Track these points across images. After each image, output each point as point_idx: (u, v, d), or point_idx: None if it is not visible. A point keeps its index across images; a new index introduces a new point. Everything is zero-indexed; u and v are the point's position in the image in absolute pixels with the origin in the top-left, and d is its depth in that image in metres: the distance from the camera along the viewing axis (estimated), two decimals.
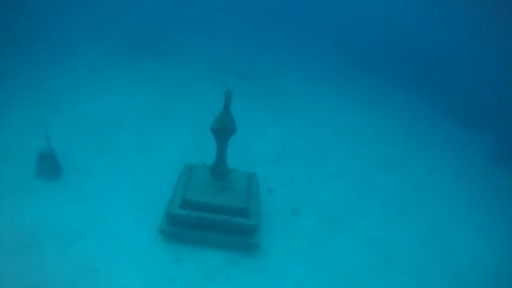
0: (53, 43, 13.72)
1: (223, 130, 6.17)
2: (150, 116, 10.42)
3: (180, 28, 17.82)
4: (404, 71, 16.29)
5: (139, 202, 7.52)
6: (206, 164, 6.92)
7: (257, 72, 14.26)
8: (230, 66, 14.27)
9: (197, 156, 8.07)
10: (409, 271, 7.15)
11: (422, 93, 14.86)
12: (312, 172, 9.30)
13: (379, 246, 7.57)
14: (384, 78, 15.78)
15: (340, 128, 11.48)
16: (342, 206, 8.45)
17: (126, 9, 18.68)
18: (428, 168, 10.35)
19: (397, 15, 20.38)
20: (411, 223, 8.31)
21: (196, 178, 6.99)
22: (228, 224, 6.51)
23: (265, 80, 13.86)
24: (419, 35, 18.59)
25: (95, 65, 12.77)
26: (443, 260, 7.55)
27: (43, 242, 6.34)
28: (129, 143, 9.18)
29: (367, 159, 10.21)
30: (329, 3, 22.02)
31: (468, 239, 8.18)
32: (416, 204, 8.92)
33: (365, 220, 8.17)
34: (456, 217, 8.75)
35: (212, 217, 6.49)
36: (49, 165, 7.50)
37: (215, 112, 6.31)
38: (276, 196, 8.34)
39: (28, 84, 10.73)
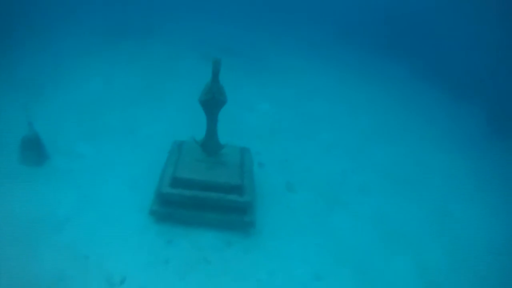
0: (31, 27, 13.07)
1: (213, 101, 5.72)
2: (136, 96, 9.95)
3: (162, 6, 17.19)
4: (395, 44, 15.94)
5: (128, 184, 7.10)
6: (196, 139, 6.48)
7: (244, 48, 13.79)
8: (217, 42, 13.78)
9: (186, 134, 7.57)
10: (410, 245, 6.86)
11: (415, 66, 14.57)
12: (306, 145, 8.94)
13: (378, 220, 7.25)
14: (374, 51, 15.44)
15: (332, 100, 11.13)
16: (339, 179, 8.11)
17: None
18: (424, 140, 10.05)
19: None
20: (410, 196, 8.01)
21: (187, 155, 6.56)
22: (221, 202, 6.10)
23: (253, 55, 13.41)
24: (411, 6, 18.06)
25: (76, 47, 12.24)
26: (444, 233, 7.28)
27: (31, 229, 5.94)
28: (115, 125, 8.72)
29: (361, 130, 9.90)
30: None
31: (468, 211, 7.93)
32: (414, 177, 8.62)
33: (363, 194, 7.83)
34: (455, 189, 8.49)
35: (205, 195, 6.07)
36: (33, 150, 7.09)
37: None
38: (270, 171, 7.96)
39: (7, 69, 10.21)
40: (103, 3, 16.29)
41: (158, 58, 12.27)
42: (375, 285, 6.03)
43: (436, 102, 12.42)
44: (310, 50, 14.78)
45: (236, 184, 6.16)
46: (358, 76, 13.07)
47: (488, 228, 7.53)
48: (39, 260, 5.49)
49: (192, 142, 6.59)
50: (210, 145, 6.30)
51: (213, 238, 6.23)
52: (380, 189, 8.03)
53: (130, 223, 6.30)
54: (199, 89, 5.90)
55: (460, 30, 16.06)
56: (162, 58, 12.27)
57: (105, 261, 5.63)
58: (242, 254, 6.09)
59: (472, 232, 7.38)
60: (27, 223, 6.02)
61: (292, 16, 18.43)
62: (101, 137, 8.25)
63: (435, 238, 7.09)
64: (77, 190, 6.83)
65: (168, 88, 10.48)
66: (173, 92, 10.30)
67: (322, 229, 6.84)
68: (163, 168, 6.60)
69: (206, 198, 6.07)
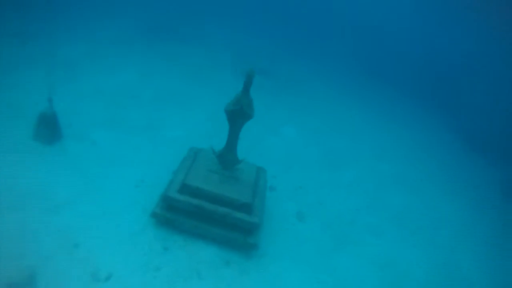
0: (77, 11, 13.16)
1: (239, 113, 5.43)
2: (164, 96, 9.79)
3: (203, 14, 17.28)
4: (427, 92, 15.74)
5: (136, 180, 6.83)
6: (214, 149, 6.17)
7: (276, 69, 13.61)
8: (250, 59, 13.60)
9: (205, 143, 7.39)
10: None
11: (442, 117, 14.31)
12: (323, 178, 8.58)
13: (384, 264, 6.83)
14: (405, 95, 15.21)
15: (357, 137, 10.78)
16: (351, 218, 7.71)
17: None
18: (442, 192, 9.64)
19: (424, 35, 19.59)
20: (419, 244, 7.63)
21: (201, 163, 6.26)
22: (228, 218, 5.74)
23: (285, 78, 13.22)
24: (445, 58, 17.81)
25: (115, 38, 12.23)
26: (449, 285, 6.91)
27: (29, 205, 5.70)
28: (137, 120, 8.53)
29: (380, 173, 9.50)
30: (355, 13, 21.32)
31: (476, 266, 7.55)
32: (427, 226, 8.22)
33: (373, 236, 7.43)
34: (466, 245, 8.08)
35: (212, 207, 5.72)
36: (48, 128, 6.92)
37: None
38: (282, 196, 7.60)
39: (45, 47, 10.09)
40: (149, 2, 16.38)
41: (192, 64, 12.15)
42: None
43: (456, 154, 12.09)
44: (343, 83, 14.58)
45: (247, 202, 5.81)
46: (385, 118, 12.77)
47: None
48: (27, 237, 5.24)
49: (209, 151, 6.30)
50: (227, 158, 5.99)
51: (211, 254, 5.87)
52: (390, 233, 7.65)
53: (129, 221, 5.99)
54: (227, 101, 5.64)
55: (492, 87, 15.72)
56: (196, 66, 12.15)
57: (94, 254, 5.32)
58: (238, 275, 5.70)
59: None
60: (25, 198, 5.79)
61: (331, 47, 18.29)
62: (119, 129, 8.04)
63: None
64: (82, 176, 6.57)
65: (197, 95, 10.30)
66: (201, 100, 10.11)
67: (326, 265, 6.42)
68: (175, 173, 6.31)
69: (212, 211, 5.72)
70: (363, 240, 7.25)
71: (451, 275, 7.14)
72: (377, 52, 18.81)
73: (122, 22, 13.60)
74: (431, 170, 10.50)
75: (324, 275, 6.21)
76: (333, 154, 9.56)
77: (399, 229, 7.82)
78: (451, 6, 18.35)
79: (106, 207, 6.11)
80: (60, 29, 11.50)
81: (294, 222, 7.11)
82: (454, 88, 16.06)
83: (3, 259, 4.89)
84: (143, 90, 9.78)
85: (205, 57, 12.94)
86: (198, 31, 15.14)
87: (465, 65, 16.60)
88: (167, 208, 5.86)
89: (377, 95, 14.46)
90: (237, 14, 18.42)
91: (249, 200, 5.84)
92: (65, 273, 4.97)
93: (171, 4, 17.03)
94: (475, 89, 15.58)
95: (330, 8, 22.01)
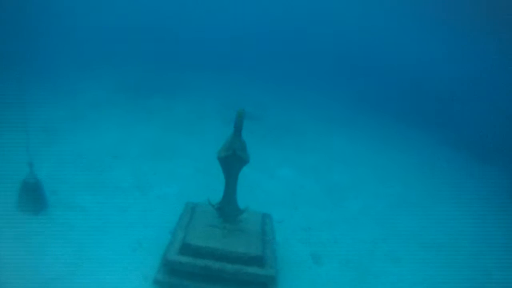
0: (56, 75, 12.95)
1: (233, 158, 4.87)
2: (151, 152, 9.22)
3: (187, 67, 17.05)
4: (418, 111, 15.54)
5: (132, 246, 6.16)
6: (212, 202, 5.57)
7: (266, 113, 13.11)
8: (238, 106, 13.08)
9: (200, 196, 6.79)
10: None
11: (438, 132, 13.87)
12: (331, 214, 7.92)
13: None
14: (395, 117, 14.85)
15: (356, 167, 10.21)
16: (368, 249, 7.07)
17: (132, 46, 18.05)
18: (452, 206, 9.04)
19: (407, 55, 19.54)
20: (444, 263, 7.01)
21: (200, 219, 5.62)
22: (239, 275, 5.04)
23: (275, 121, 12.70)
24: (427, 73, 17.70)
25: (97, 99, 11.87)
26: None
27: (17, 284, 5.04)
28: (125, 180, 7.94)
29: (388, 198, 8.91)
30: (338, 43, 21.35)
31: (506, 273, 7.01)
32: (447, 242, 7.63)
33: (395, 264, 6.78)
34: (489, 252, 7.54)
35: (219, 266, 5.03)
36: (32, 196, 6.40)
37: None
38: (292, 241, 6.94)
39: (23, 113, 9.47)
40: (131, 60, 16.26)
41: (178, 117, 11.70)
42: None
43: (461, 166, 11.55)
44: (333, 116, 14.19)
45: (257, 255, 5.12)
46: (382, 143, 12.27)
47: None
48: None
49: (207, 205, 5.68)
50: (228, 209, 5.36)
51: None
52: (412, 258, 7.01)
53: None
54: (218, 149, 5.10)
55: (478, 93, 15.50)
56: (182, 117, 11.69)
57: None
58: None
59: None
60: (12, 276, 5.14)
61: (314, 81, 18.05)
62: (107, 192, 7.47)
63: None
64: (73, 246, 5.94)
65: (185, 147, 9.74)
66: (189, 151, 9.55)
67: None
68: (173, 232, 5.64)
69: (220, 269, 5.02)
70: (386, 270, 6.60)
71: (484, 285, 6.64)
72: (363, 79, 18.65)
73: (101, 82, 13.34)
74: (437, 186, 9.96)
75: None
76: (335, 188, 8.97)
77: (419, 251, 7.22)
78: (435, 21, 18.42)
79: (102, 279, 5.40)
80: (39, 95, 11.24)
81: (310, 265, 6.43)
82: (447, 102, 15.82)
83: None
84: (127, 149, 9.22)
85: (191, 108, 12.50)
86: (182, 83, 14.83)
87: (455, 78, 16.45)
88: (170, 273, 5.18)
89: (369, 122, 14.09)
90: (220, 63, 18.27)
91: (260, 251, 5.18)
92: None
93: (151, 61, 16.95)
94: (469, 100, 15.37)
95: (310, 42, 22.03)
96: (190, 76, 15.70)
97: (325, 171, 9.65)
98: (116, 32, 19.41)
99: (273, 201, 7.98)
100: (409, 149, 12.15)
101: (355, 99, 16.31)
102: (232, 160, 4.89)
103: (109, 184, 7.71)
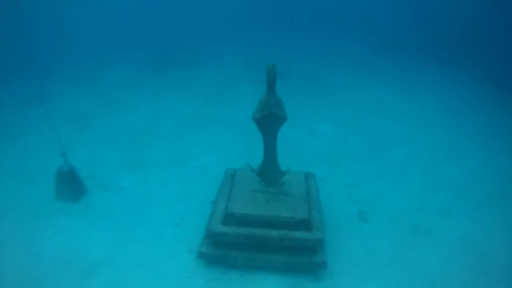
0: (77, 65, 12.88)
1: (270, 117, 4.49)
2: (184, 125, 8.97)
3: (207, 36, 16.62)
4: (439, 47, 14.51)
5: (174, 221, 5.97)
6: (252, 166, 5.24)
7: (292, 69, 12.56)
8: (264, 66, 12.58)
9: (240, 162, 6.52)
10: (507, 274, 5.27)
11: (473, 71, 12.80)
12: (374, 167, 7.48)
13: (466, 247, 5.66)
14: (420, 57, 14.05)
15: (393, 116, 9.63)
16: (416, 203, 6.56)
17: (150, 23, 17.65)
18: (500, 150, 8.29)
19: None
20: (497, 215, 6.35)
21: (241, 185, 5.31)
22: (286, 240, 4.74)
23: (302, 76, 12.16)
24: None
25: (122, 81, 11.69)
26: None
27: (58, 274, 4.95)
28: (161, 155, 7.75)
29: (432, 147, 8.29)
30: None
31: None
32: (498, 192, 6.92)
33: (445, 218, 6.24)
34: None
35: (265, 233, 4.74)
36: (68, 184, 6.29)
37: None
38: (337, 198, 6.57)
39: (52, 107, 9.63)
40: (150, 36, 15.92)
41: (208, 86, 11.34)
42: None
43: (503, 107, 10.55)
44: (358, 63, 13.54)
45: (303, 218, 4.80)
46: (413, 86, 11.58)
47: None
48: None
49: (247, 170, 5.36)
50: (269, 172, 5.03)
51: (276, 285, 4.87)
52: (463, 211, 6.42)
53: (175, 267, 5.09)
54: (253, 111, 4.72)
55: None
56: (212, 86, 11.33)
57: None
58: None
59: None
60: (57, 266, 5.07)
61: (336, 32, 17.27)
62: (145, 169, 7.29)
63: None
64: (115, 228, 5.80)
65: (219, 116, 9.44)
66: (224, 119, 9.23)
67: (404, 263, 5.33)
68: (214, 202, 5.36)
69: (266, 237, 4.74)
70: (436, 224, 6.10)
71: None
72: (388, 22, 17.60)
73: (123, 64, 13.16)
74: (482, 128, 9.21)
75: (404, 275, 5.15)
76: (377, 139, 8.47)
77: (470, 204, 6.60)
78: None
79: (147, 257, 5.25)
80: (64, 87, 11.17)
81: (358, 224, 6.05)
82: (472, 37, 14.65)
83: None
84: (160, 123, 9.04)
85: (219, 76, 12.11)
86: (206, 53, 14.41)
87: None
88: (214, 245, 4.94)
89: (396, 65, 13.39)
90: (238, 30, 17.68)
91: (306, 215, 4.85)
92: None
93: (171, 37, 16.58)
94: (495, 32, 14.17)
95: None
96: (212, 47, 15.25)
97: (363, 123, 9.15)
98: (132, 12, 19.00)
99: (314, 158, 7.62)
100: (442, 90, 11.37)
101: (378, 42, 15.51)
102: (269, 120, 4.53)
103: (146, 160, 7.54)
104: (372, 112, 9.76)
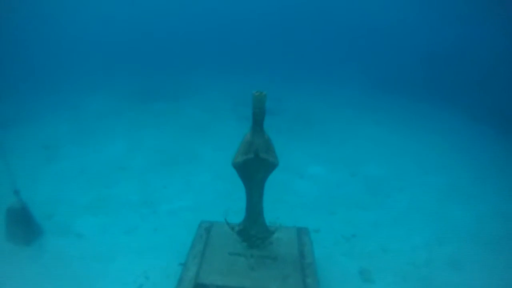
0: (58, 88, 11.72)
1: (255, 163, 3.27)
2: (160, 161, 7.76)
3: (193, 67, 15.46)
4: (436, 87, 13.41)
5: (137, 279, 4.75)
6: (231, 222, 3.99)
7: (282, 106, 11.32)
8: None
9: (218, 212, 5.27)
10: None
11: (470, 110, 11.68)
12: (375, 215, 6.27)
13: None
14: (417, 97, 12.80)
15: (391, 156, 8.47)
16: (424, 256, 5.41)
17: (137, 53, 16.60)
18: (506, 193, 7.17)
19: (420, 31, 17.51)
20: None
21: (218, 244, 4.06)
22: None
23: (293, 113, 10.95)
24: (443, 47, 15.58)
25: (102, 110, 10.56)
26: None
27: None
28: (132, 195, 6.54)
29: (435, 190, 7.16)
30: (352, 28, 19.45)
31: None
32: (509, 237, 5.86)
33: (457, 271, 5.14)
34: None
35: None
36: (20, 225, 5.31)
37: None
38: (335, 254, 5.35)
39: (28, 129, 8.90)
40: (136, 67, 14.81)
41: (189, 120, 10.13)
42: None
43: (507, 147, 9.51)
44: (353, 102, 12.30)
45: None
46: (411, 126, 10.42)
47: None
48: None
49: (226, 224, 4.11)
50: (253, 232, 3.77)
51: None
52: (475, 260, 5.35)
53: None
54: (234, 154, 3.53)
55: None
56: (193, 120, 10.12)
57: None
58: None
59: None
60: None
61: (331, 68, 16.19)
62: (111, 211, 6.10)
63: None
64: (69, 282, 4.67)
65: (199, 153, 8.21)
66: (204, 157, 8.02)
67: None
68: (184, 265, 4.05)
69: None
70: (448, 279, 4.99)
71: None
72: (377, 60, 16.64)
73: (106, 92, 12.00)
74: (484, 169, 8.09)
75: None
76: (375, 183, 7.29)
77: (481, 251, 5.52)
78: None
79: None
80: (40, 110, 10.15)
81: (360, 284, 4.84)
82: (469, 77, 13.72)
83: None
84: (135, 159, 7.80)
85: (201, 109, 10.88)
86: (189, 86, 13.18)
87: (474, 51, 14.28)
88: None
89: (392, 104, 12.24)
90: (227, 62, 16.56)
91: (300, 286, 3.58)
92: None
93: (155, 66, 15.53)
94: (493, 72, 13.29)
95: (317, 29, 20.17)
96: (198, 77, 14.11)
97: (359, 164, 7.96)
98: (117, 39, 18.01)
99: (306, 205, 6.42)
100: (443, 129, 10.24)
101: (373, 81, 14.32)
102: (254, 166, 3.32)
103: (113, 201, 6.35)
104: (369, 152, 8.58)
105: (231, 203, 5.06)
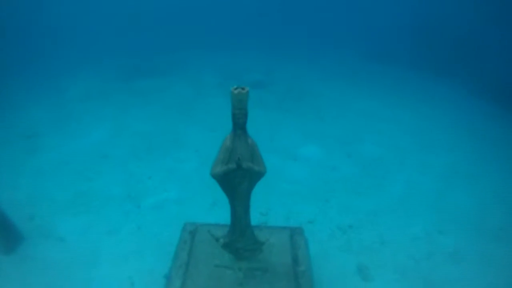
0: (41, 71, 11.05)
1: (238, 175, 2.79)
2: (144, 147, 7.29)
3: (182, 42, 14.61)
4: (433, 57, 12.48)
5: (125, 283, 4.44)
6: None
7: (274, 78, 10.79)
8: (242, 76, 10.81)
9: (206, 203, 4.86)
10: None
11: (467, 83, 10.97)
12: (373, 202, 5.87)
13: None
14: (414, 67, 12.11)
15: (389, 132, 8.00)
16: (424, 248, 5.06)
17: (121, 28, 15.73)
18: (508, 171, 6.76)
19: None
20: None
21: (203, 254, 3.66)
22: None
23: (286, 86, 10.37)
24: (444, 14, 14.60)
25: (86, 92, 9.88)
26: None
27: None
28: (113, 189, 6.11)
29: (436, 171, 6.73)
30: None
31: None
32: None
33: (457, 265, 4.78)
34: None
35: None
36: (0, 233, 4.89)
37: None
38: (331, 249, 4.97)
39: (8, 116, 8.38)
40: (120, 43, 14.07)
41: (175, 97, 9.56)
42: None
43: (505, 123, 8.89)
44: (347, 72, 11.68)
45: None
46: (409, 99, 9.83)
47: None
48: None
49: (211, 226, 3.70)
50: (241, 245, 3.34)
51: None
52: (478, 253, 4.98)
53: None
54: (220, 143, 3.03)
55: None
56: (180, 98, 9.54)
57: None
58: None
59: None
60: None
61: (321, 38, 15.42)
62: (91, 210, 5.66)
63: None
64: None
65: (185, 135, 7.73)
66: (190, 139, 7.54)
67: None
68: (168, 278, 3.63)
69: None
70: (449, 276, 4.64)
71: None
72: (372, 23, 15.78)
73: (90, 72, 11.27)
74: (485, 148, 7.57)
75: None
76: (372, 163, 6.86)
77: (485, 243, 5.15)
78: None
79: None
80: (22, 96, 9.43)
81: (359, 284, 4.50)
82: (468, 48, 12.93)
83: None
84: (119, 145, 7.33)
85: (188, 86, 10.28)
86: (179, 61, 12.51)
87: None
88: None
89: (388, 74, 11.66)
90: (215, 36, 15.69)
91: None
92: None
93: (144, 40, 14.72)
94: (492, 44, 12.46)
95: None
96: (185, 52, 13.35)
97: (356, 143, 7.51)
98: (102, 15, 17.07)
99: (299, 193, 6.00)
100: (439, 104, 9.63)
101: (366, 51, 13.55)
102: (238, 176, 2.84)
103: (96, 196, 5.93)
104: (366, 128, 8.10)
105: (218, 195, 4.60)
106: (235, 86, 2.61)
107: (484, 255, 4.91)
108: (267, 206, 5.36)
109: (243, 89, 2.60)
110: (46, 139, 7.50)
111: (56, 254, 4.87)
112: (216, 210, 5.31)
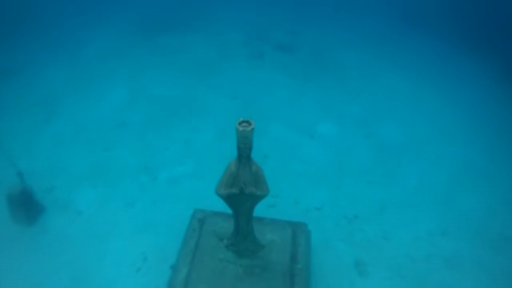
0: (56, 28, 11.04)
1: (241, 197, 3.35)
2: (161, 114, 7.79)
3: None
4: (479, 39, 11.36)
5: (135, 261, 5.13)
6: (222, 226, 4.20)
7: (298, 42, 10.76)
8: (267, 36, 10.87)
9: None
10: None
11: (504, 69, 9.97)
12: (382, 194, 6.27)
13: None
14: (454, 40, 11.25)
15: (411, 115, 8.11)
16: (424, 249, 5.49)
17: None
18: None
19: None
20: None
21: (209, 245, 4.29)
22: None
23: (310, 51, 10.36)
24: None
25: (103, 50, 10.02)
26: None
27: None
28: (130, 160, 6.72)
29: (451, 166, 6.89)
30: None
31: None
32: None
33: (454, 273, 5.19)
34: None
35: None
36: (22, 206, 5.51)
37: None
38: (333, 238, 5.53)
39: (24, 79, 8.73)
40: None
41: (196, 57, 9.79)
42: None
43: None
44: (376, 40, 11.21)
45: None
46: (442, 77, 9.52)
47: None
48: None
49: (221, 215, 4.36)
50: (243, 247, 3.96)
51: None
52: (476, 261, 5.35)
53: None
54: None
55: None
56: (201, 58, 9.77)
57: None
58: None
59: None
60: None
61: (357, 2, 14.95)
62: (108, 182, 6.28)
63: None
64: (71, 266, 5.03)
65: (204, 100, 8.16)
66: (209, 106, 7.98)
67: None
68: (174, 268, 4.32)
69: None
70: (444, 282, 5.09)
71: None
72: None
73: (107, 27, 11.24)
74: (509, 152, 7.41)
75: None
76: (388, 151, 7.15)
77: (488, 251, 5.48)
78: None
79: None
80: (38, 56, 9.64)
81: (354, 278, 5.07)
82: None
83: None
84: (134, 111, 7.84)
85: (210, 45, 10.43)
86: (200, 16, 12.23)
87: None
88: None
89: (422, 46, 10.98)
90: None
91: None
92: None
93: None
94: None
95: None
96: (208, 7, 13.25)
97: (375, 124, 7.77)
98: None
99: (313, 176, 6.48)
100: (469, 88, 9.19)
101: (403, 16, 12.83)
102: (241, 198, 3.38)
103: (112, 168, 6.54)
104: (387, 108, 8.25)
105: None
106: (240, 119, 3.00)
107: (482, 264, 5.29)
108: (278, 187, 5.83)
109: (249, 123, 3.00)
110: (62, 105, 7.96)
111: (74, 227, 5.57)
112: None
